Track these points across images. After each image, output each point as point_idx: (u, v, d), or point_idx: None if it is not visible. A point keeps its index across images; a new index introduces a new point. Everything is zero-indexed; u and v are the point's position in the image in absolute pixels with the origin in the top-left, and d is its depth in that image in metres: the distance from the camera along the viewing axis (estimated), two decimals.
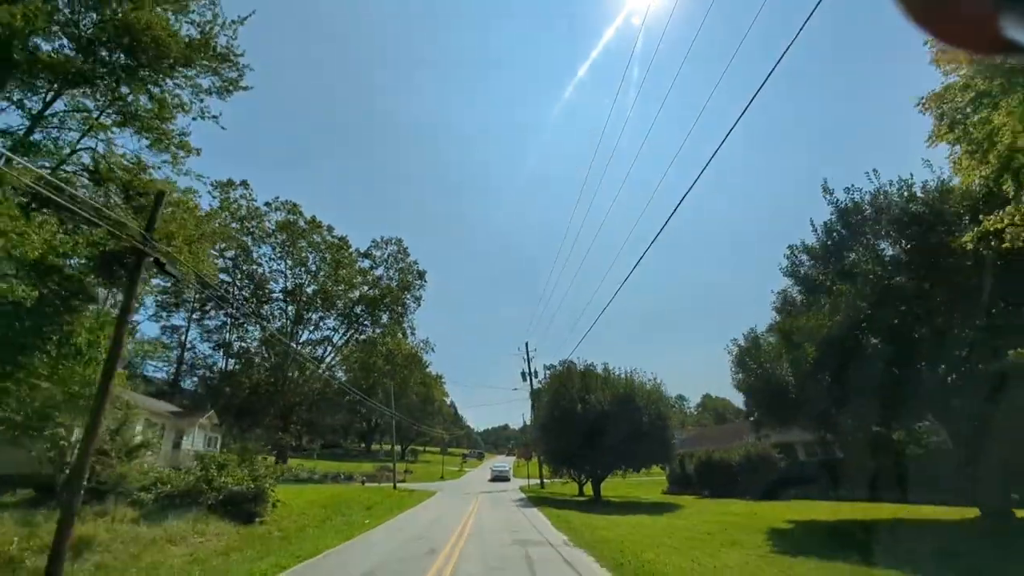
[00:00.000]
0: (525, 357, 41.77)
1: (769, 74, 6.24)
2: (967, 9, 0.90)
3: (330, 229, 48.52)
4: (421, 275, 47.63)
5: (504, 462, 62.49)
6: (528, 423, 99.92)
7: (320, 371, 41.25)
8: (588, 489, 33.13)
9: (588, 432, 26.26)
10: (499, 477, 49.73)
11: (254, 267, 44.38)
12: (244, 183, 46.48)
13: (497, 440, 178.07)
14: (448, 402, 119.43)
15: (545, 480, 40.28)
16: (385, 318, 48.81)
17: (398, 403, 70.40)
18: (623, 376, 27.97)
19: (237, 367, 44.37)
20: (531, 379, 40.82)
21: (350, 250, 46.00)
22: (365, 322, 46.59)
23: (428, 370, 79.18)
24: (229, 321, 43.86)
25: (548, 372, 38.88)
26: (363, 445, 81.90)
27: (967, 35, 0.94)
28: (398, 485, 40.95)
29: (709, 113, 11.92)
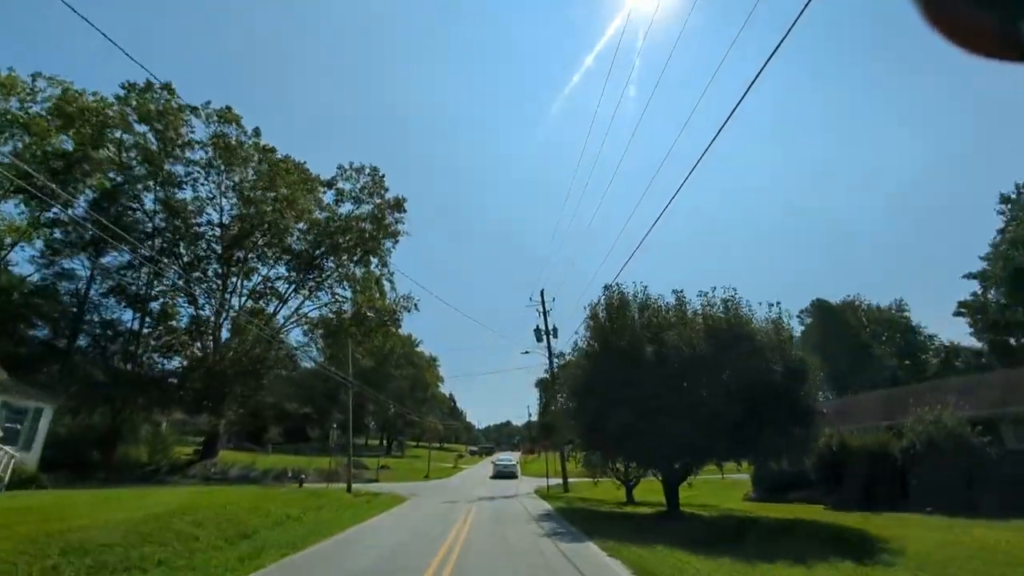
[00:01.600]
0: (540, 310, 30.12)
1: (778, 46, 6.12)
2: (988, 18, 0.92)
3: (290, 162, 36.80)
4: (398, 204, 35.67)
5: (509, 455, 51.11)
6: (534, 418, 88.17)
7: (254, 326, 29.52)
8: (653, 493, 21.73)
9: (663, 397, 14.67)
10: (503, 473, 38.66)
11: (172, 190, 32.76)
12: (167, 87, 34.83)
13: (499, 437, 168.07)
14: (448, 395, 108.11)
15: (569, 479, 28.54)
16: (356, 268, 37.13)
17: (383, 387, 59.02)
18: (717, 303, 16.19)
19: (149, 326, 32.70)
20: (548, 337, 29.16)
21: (309, 177, 34.15)
22: (327, 270, 34.93)
23: (419, 349, 67.72)
24: (136, 262, 32.01)
25: (556, 364, 27.44)
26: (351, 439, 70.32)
27: (989, 43, 0.96)
28: (366, 486, 29.43)
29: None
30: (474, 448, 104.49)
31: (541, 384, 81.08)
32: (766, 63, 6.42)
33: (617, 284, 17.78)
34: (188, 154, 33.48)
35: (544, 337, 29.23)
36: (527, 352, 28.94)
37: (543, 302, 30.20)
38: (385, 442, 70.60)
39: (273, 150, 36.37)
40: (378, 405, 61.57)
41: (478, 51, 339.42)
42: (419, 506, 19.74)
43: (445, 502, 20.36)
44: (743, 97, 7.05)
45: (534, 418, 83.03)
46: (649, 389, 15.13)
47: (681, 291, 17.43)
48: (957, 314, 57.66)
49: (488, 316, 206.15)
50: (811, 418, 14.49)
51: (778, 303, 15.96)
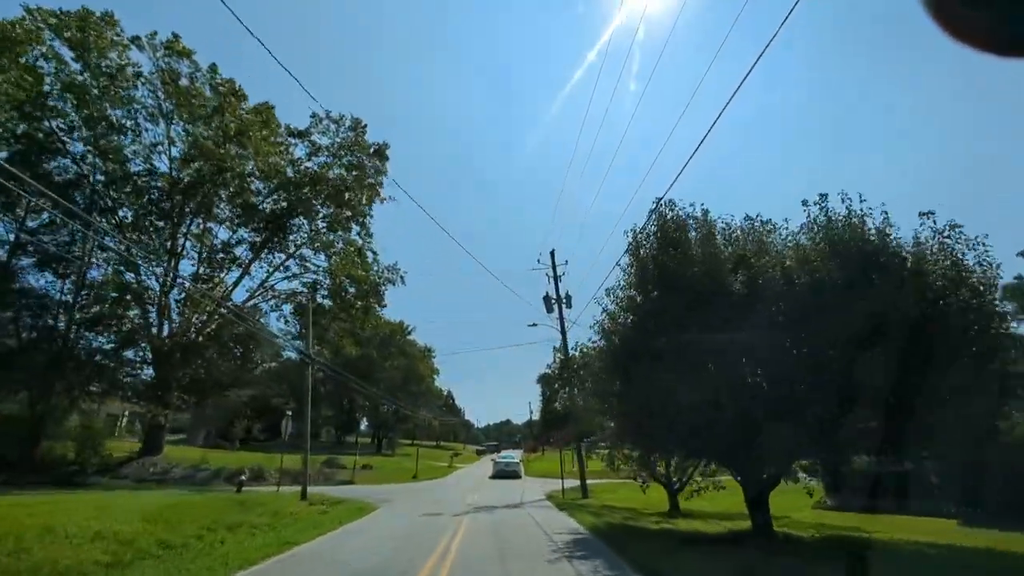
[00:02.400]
0: (550, 274, 24.50)
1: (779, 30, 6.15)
2: (989, 18, 0.94)
3: (235, 86, 29.69)
4: (380, 152, 30.02)
5: (512, 452, 45.76)
6: (536, 416, 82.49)
7: (209, 298, 23.99)
8: (699, 500, 16.39)
9: (757, 357, 9.22)
10: (505, 473, 33.65)
11: (110, 134, 27.18)
12: (108, 16, 29.22)
13: (499, 436, 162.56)
14: (446, 392, 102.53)
15: (586, 481, 22.92)
16: (333, 235, 31.58)
17: (370, 378, 53.47)
18: (829, 218, 10.57)
19: (83, 298, 27.09)
20: (560, 306, 23.54)
21: (263, 108, 28.43)
22: (293, 229, 29.39)
23: (411, 337, 62.21)
24: (57, 219, 26.32)
25: (573, 350, 21.49)
26: (342, 435, 65.11)
27: (989, 40, 0.97)
28: (335, 490, 23.91)
29: None
30: (480, 447, 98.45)
31: (543, 379, 75.74)
32: (774, 36, 6.38)
33: (670, 201, 12.11)
34: (128, 91, 27.94)
35: (555, 306, 23.65)
36: (534, 324, 24.35)
37: (553, 264, 24.59)
38: (377, 440, 65.10)
39: (232, 92, 30.31)
40: (368, 399, 56.09)
41: (478, 45, 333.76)
42: (391, 517, 14.22)
43: (425, 514, 14.76)
44: (749, 73, 6.82)
45: (536, 416, 77.56)
46: (737, 348, 9.60)
47: (758, 215, 11.71)
48: (1003, 299, 52.48)
49: (488, 315, 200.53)
50: (1012, 388, 8.95)
51: (930, 213, 10.31)
